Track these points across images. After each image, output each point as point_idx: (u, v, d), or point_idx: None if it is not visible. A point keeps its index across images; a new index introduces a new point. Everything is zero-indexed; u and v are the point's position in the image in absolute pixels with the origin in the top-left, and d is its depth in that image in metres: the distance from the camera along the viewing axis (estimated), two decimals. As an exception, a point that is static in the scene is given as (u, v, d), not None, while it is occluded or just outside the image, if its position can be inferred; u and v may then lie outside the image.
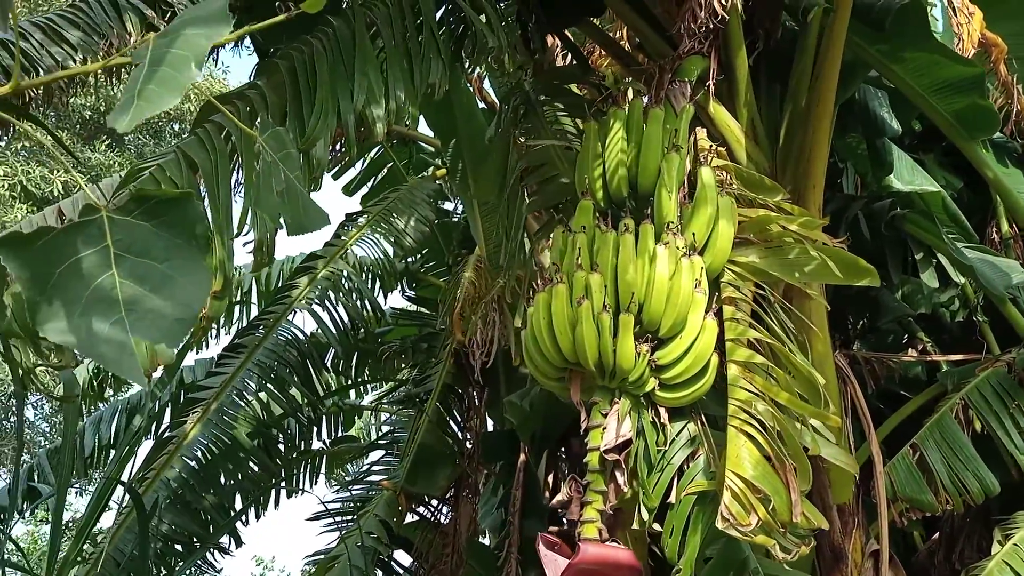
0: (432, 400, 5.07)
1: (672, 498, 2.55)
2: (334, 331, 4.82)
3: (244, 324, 5.58)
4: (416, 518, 5.18)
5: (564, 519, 5.46)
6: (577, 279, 2.64)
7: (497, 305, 3.64)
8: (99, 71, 4.11)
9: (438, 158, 6.13)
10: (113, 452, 5.04)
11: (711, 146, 2.93)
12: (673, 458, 2.59)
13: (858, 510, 3.47)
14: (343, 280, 4.95)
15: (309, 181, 2.18)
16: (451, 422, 5.30)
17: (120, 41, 4.17)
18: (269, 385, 4.55)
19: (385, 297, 5.32)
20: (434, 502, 5.21)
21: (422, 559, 5.01)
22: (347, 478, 6.34)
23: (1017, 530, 3.44)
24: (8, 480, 11.00)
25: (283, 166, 1.04)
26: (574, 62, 4.06)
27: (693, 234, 2.67)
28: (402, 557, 5.21)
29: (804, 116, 3.36)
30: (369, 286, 5.21)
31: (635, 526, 2.58)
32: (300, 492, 6.00)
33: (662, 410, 2.65)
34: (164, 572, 3.88)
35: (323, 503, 4.86)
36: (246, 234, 2.02)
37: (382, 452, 5.50)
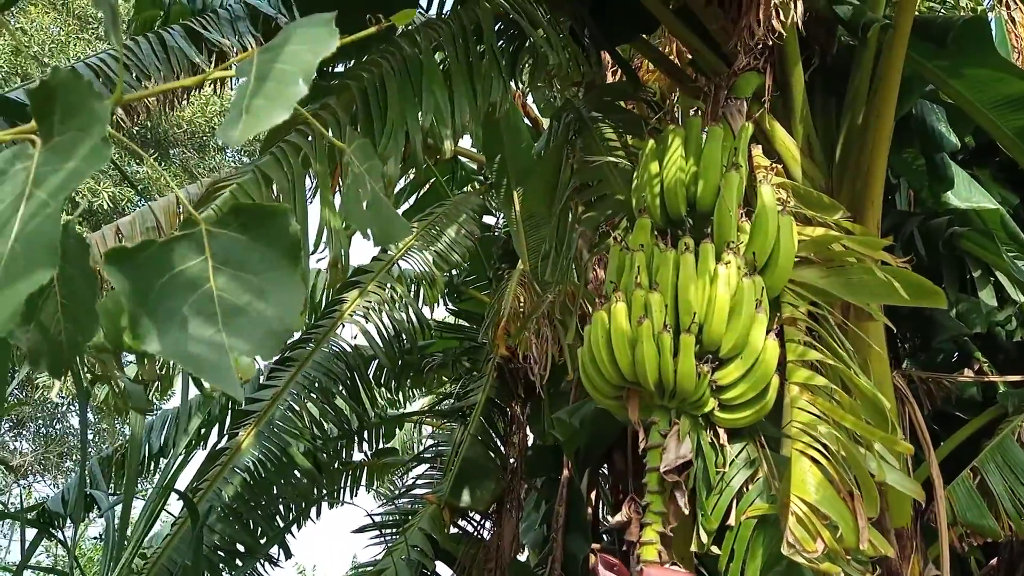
0: (476, 414, 5.08)
1: (731, 521, 2.52)
2: (380, 344, 4.86)
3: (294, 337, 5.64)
4: (457, 531, 5.18)
5: (603, 535, 5.43)
6: (636, 297, 2.63)
7: (549, 320, 3.64)
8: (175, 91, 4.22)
9: (481, 173, 6.17)
10: (164, 461, 5.13)
11: (770, 164, 2.91)
12: (732, 480, 2.56)
13: (916, 534, 3.39)
14: (389, 294, 5.00)
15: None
16: (494, 436, 5.30)
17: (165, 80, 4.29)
18: (317, 397, 4.60)
19: (432, 311, 5.35)
20: (476, 516, 5.21)
21: (464, 573, 5.00)
22: (390, 490, 6.36)
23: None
24: (58, 487, 11.23)
25: (369, 177, 1.05)
26: (623, 79, 4.06)
27: (754, 253, 2.65)
28: (443, 570, 5.21)
29: (861, 132, 3.32)
30: (414, 299, 5.25)
31: (693, 548, 2.55)
32: (342, 503, 6.04)
33: (721, 431, 2.63)
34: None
35: (370, 515, 4.88)
36: (321, 251, 2.06)
37: (425, 465, 5.52)
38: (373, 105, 2.40)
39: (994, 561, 4.30)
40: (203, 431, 5.16)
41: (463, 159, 6.34)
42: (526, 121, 5.80)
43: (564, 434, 4.23)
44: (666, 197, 2.85)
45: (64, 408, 11.32)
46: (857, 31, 3.44)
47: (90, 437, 11.74)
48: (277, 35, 0.86)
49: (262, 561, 4.37)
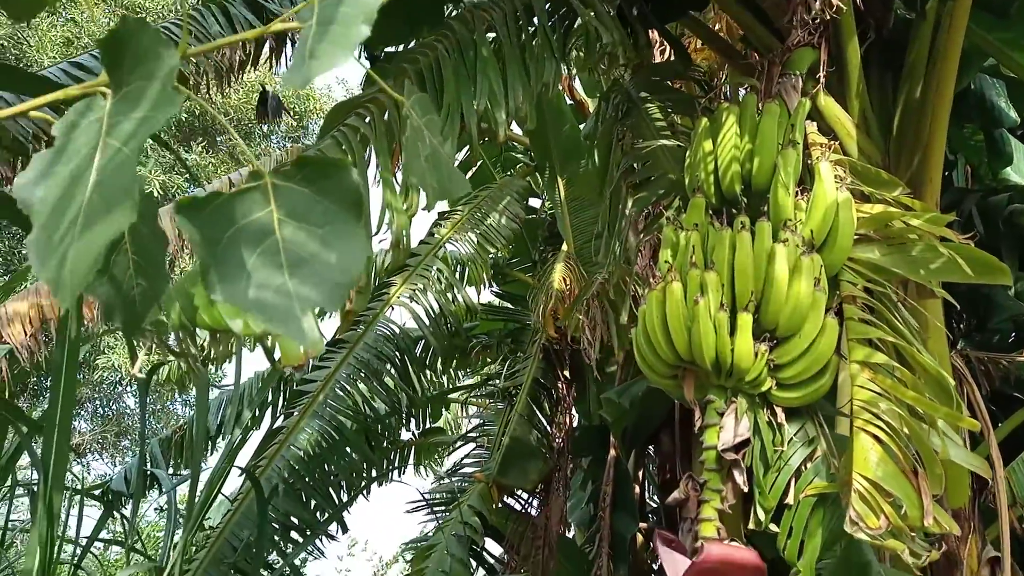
0: (522, 394, 5.13)
1: (789, 499, 2.53)
2: (428, 325, 4.93)
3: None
4: (504, 509, 5.25)
5: (650, 515, 5.46)
6: (692, 277, 2.63)
7: (599, 302, 3.66)
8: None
9: (527, 155, 6.18)
10: (220, 443, 5.29)
11: (826, 140, 2.87)
12: (791, 459, 2.56)
13: (974, 515, 3.35)
14: (436, 276, 5.06)
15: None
16: (540, 416, 5.35)
17: (231, 51, 4.36)
18: (368, 377, 4.70)
19: (478, 292, 5.41)
20: (523, 495, 5.28)
21: (513, 550, 5.08)
22: (438, 469, 6.47)
23: None
24: (115, 466, 11.63)
25: (427, 131, 1.05)
26: (672, 58, 4.02)
27: (811, 231, 2.63)
28: (492, 547, 5.30)
29: (919, 107, 3.25)
30: (460, 282, 5.31)
31: (751, 526, 2.56)
32: (390, 481, 6.16)
33: (778, 410, 2.62)
34: (276, 556, 4.06)
35: (422, 494, 4.98)
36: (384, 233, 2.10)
37: (472, 445, 5.60)
38: (429, 88, 2.44)
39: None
40: (259, 412, 5.30)
41: (510, 141, 6.35)
42: (570, 103, 5.79)
43: (613, 414, 4.26)
44: (720, 175, 2.84)
45: (121, 389, 11.70)
46: (915, 2, 3.36)
47: (148, 419, 12.13)
48: None
49: (319, 536, 4.49)
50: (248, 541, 3.81)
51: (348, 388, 4.58)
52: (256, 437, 4.63)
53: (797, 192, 2.76)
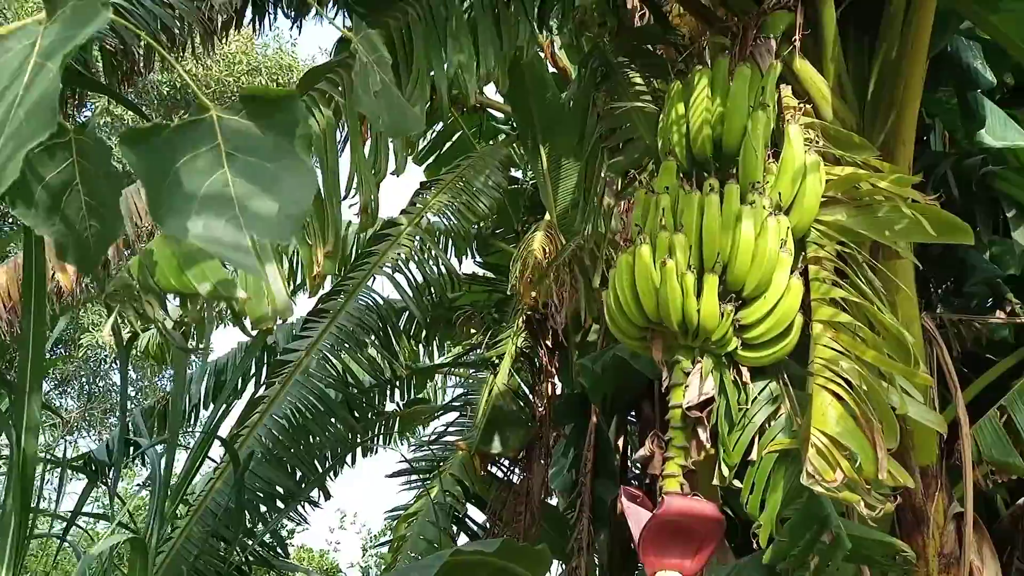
0: (505, 364, 5.18)
1: (752, 456, 2.57)
2: (412, 295, 4.95)
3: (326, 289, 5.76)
4: (487, 476, 5.31)
5: (633, 481, 5.53)
6: (661, 240, 2.65)
7: (569, 268, 3.67)
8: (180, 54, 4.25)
9: (507, 125, 6.15)
10: (204, 413, 5.32)
11: (797, 104, 2.88)
12: (755, 416, 2.60)
13: (941, 473, 3.41)
14: (418, 246, 5.07)
15: (406, 147, 2.25)
16: (522, 385, 5.40)
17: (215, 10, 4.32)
18: (351, 347, 4.73)
19: (460, 263, 5.42)
20: (506, 463, 5.34)
21: (495, 517, 5.16)
22: (421, 438, 6.53)
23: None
24: (100, 441, 11.67)
25: (378, 68, 1.05)
26: (651, 22, 4.00)
27: (779, 193, 2.64)
28: (475, 514, 5.38)
29: (894, 69, 3.25)
30: (443, 252, 5.31)
31: (715, 482, 2.61)
32: (375, 452, 6.22)
33: (744, 369, 2.66)
34: (259, 523, 4.12)
35: (407, 461, 5.04)
36: (352, 197, 2.11)
37: (455, 414, 5.66)
38: (400, 55, 2.43)
39: (1022, 500, 4.30)
40: (242, 382, 5.33)
41: (490, 110, 6.32)
42: (554, 71, 5.75)
43: (588, 381, 4.30)
44: (691, 139, 2.85)
45: (107, 367, 11.72)
46: (890, -36, 3.33)
47: (130, 392, 12.15)
48: None
49: (303, 504, 4.55)
50: (229, 507, 3.85)
51: (331, 358, 4.61)
52: (240, 407, 4.66)
53: (768, 155, 2.77)
